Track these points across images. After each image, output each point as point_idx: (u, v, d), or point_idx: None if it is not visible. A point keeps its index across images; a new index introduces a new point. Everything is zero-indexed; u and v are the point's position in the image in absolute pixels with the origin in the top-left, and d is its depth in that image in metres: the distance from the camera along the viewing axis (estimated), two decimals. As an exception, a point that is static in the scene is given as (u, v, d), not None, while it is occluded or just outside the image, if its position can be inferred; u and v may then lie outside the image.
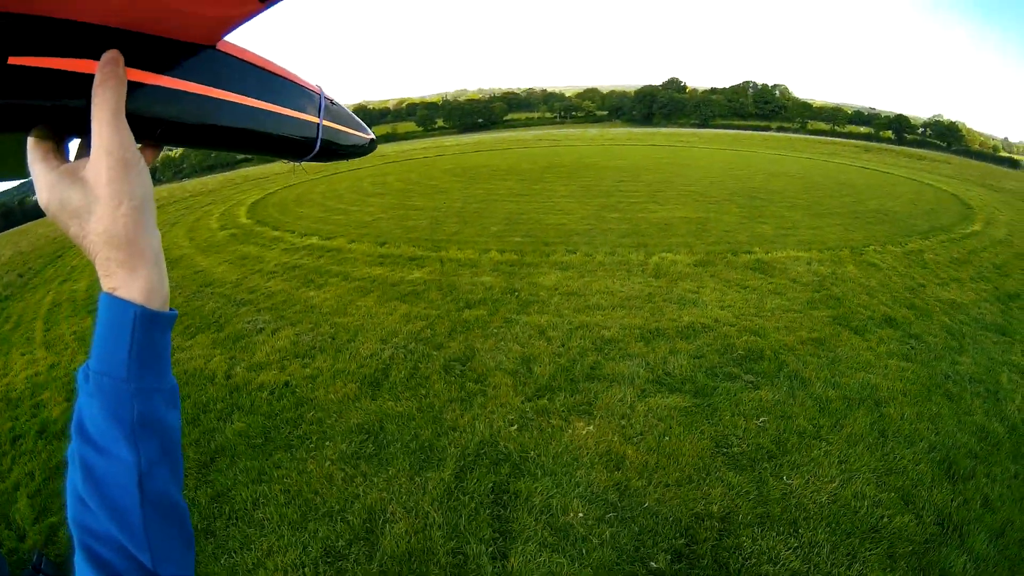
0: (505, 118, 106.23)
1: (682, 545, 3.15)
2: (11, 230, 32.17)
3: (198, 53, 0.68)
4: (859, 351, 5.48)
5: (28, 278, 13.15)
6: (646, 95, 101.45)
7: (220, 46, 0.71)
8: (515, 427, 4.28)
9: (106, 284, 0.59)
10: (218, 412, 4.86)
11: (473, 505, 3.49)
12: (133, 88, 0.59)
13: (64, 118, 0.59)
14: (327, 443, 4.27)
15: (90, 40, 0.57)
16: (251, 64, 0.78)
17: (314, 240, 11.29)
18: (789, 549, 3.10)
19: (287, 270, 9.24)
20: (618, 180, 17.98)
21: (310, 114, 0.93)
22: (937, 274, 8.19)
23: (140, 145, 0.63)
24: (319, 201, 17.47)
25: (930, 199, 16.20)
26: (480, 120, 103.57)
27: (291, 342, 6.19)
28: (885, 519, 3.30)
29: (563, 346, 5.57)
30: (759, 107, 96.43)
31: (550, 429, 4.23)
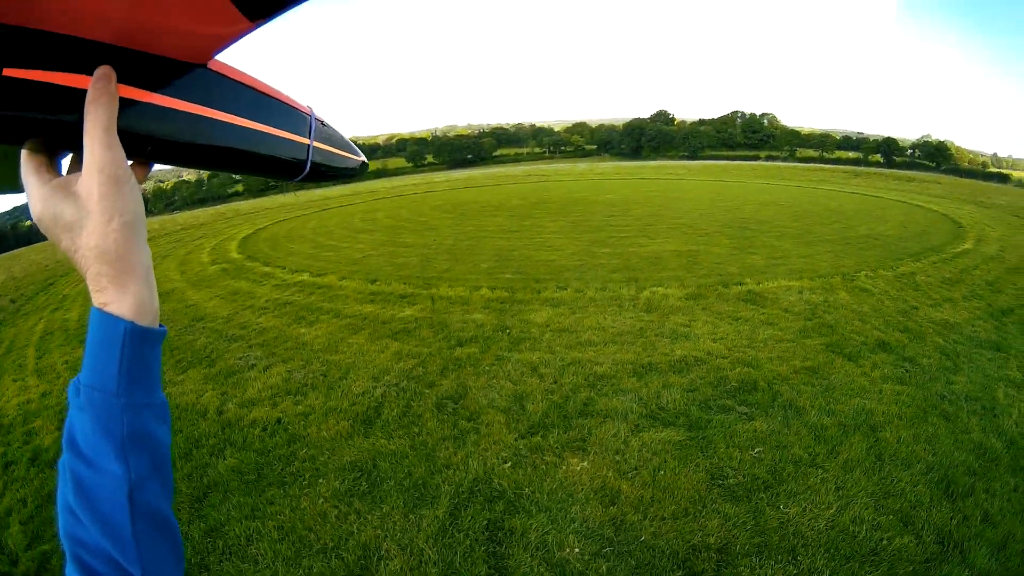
0: (494, 154, 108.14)
1: (680, 578, 3.21)
2: (4, 254, 32.45)
3: (189, 72, 0.70)
4: (853, 377, 5.61)
5: (20, 304, 13.46)
6: (634, 128, 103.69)
7: (211, 65, 0.73)
8: (509, 464, 4.35)
9: (97, 299, 0.61)
10: (210, 447, 4.95)
11: (468, 542, 3.55)
12: (125, 105, 0.62)
13: (57, 132, 0.61)
14: (320, 480, 4.33)
15: (83, 55, 0.59)
16: (242, 84, 0.81)
17: (305, 276, 11.53)
18: (787, 577, 3.17)
19: (278, 306, 9.42)
20: (608, 215, 18.39)
21: (301, 135, 0.95)
22: (930, 295, 8.42)
23: (131, 162, 0.66)
24: (310, 237, 17.95)
25: (920, 220, 16.65)
26: (469, 156, 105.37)
27: (283, 379, 6.29)
28: (884, 541, 3.38)
29: (555, 383, 5.67)
30: (747, 137, 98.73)
31: (544, 466, 4.31)
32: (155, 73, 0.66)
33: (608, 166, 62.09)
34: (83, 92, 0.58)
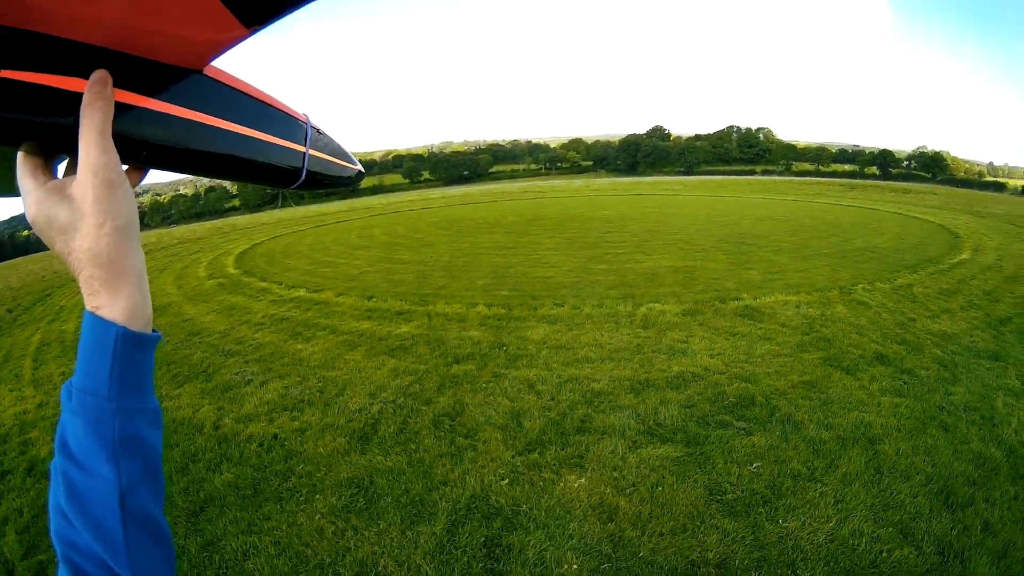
0: (491, 170, 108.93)
1: (678, 594, 3.25)
2: (1, 264, 32.73)
3: (185, 77, 0.71)
4: (851, 391, 5.66)
5: (17, 314, 13.63)
6: (630, 144, 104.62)
7: (207, 71, 0.74)
8: (506, 481, 4.38)
9: (89, 303, 0.61)
10: (207, 462, 4.99)
11: (466, 559, 3.57)
12: (120, 110, 0.62)
13: (52, 135, 0.62)
14: (317, 496, 4.36)
15: (79, 58, 0.60)
16: (238, 90, 0.81)
17: (301, 292, 11.64)
18: (786, 592, 3.21)
19: (275, 322, 9.50)
20: (604, 231, 18.56)
21: (296, 143, 0.95)
22: (927, 307, 8.53)
23: (126, 167, 0.67)
24: (306, 253, 18.18)
25: (917, 232, 16.85)
26: (466, 172, 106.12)
27: (279, 395, 6.34)
28: (884, 554, 3.42)
29: (553, 400, 5.71)
30: (743, 151, 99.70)
31: (542, 483, 4.34)
32: (151, 78, 0.67)
33: (604, 182, 62.67)
34: (79, 95, 0.59)
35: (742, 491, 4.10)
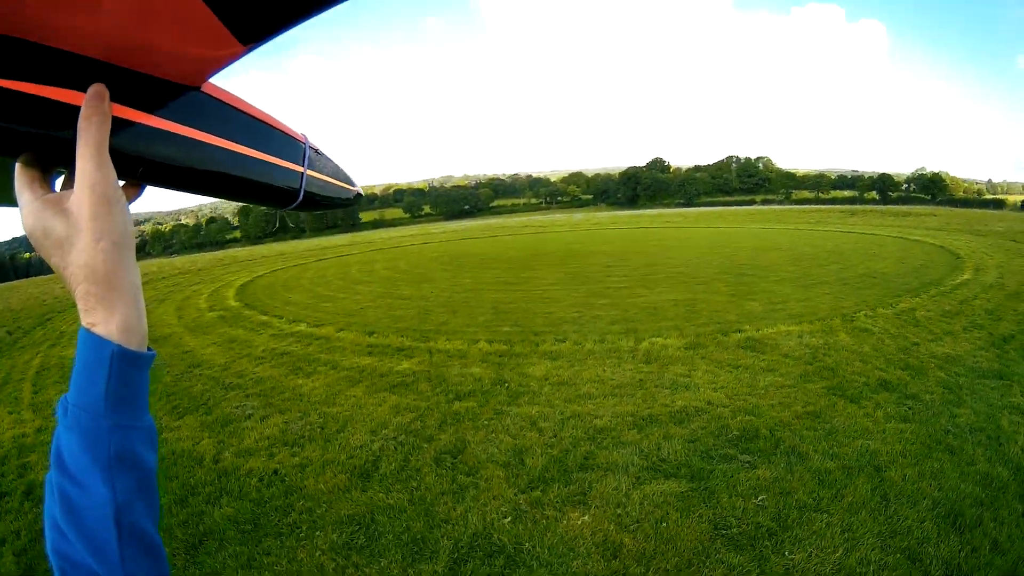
0: (491, 204, 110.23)
1: (685, 632, 3.24)
2: (2, 284, 33.15)
3: (183, 94, 0.72)
4: (856, 419, 5.68)
5: (17, 337, 13.88)
6: (630, 177, 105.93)
7: (205, 88, 0.75)
8: (508, 519, 4.39)
9: (85, 319, 0.62)
10: (206, 495, 5.02)
11: (468, 601, 3.58)
12: (117, 125, 0.63)
13: (49, 147, 0.62)
14: (317, 532, 4.38)
15: (77, 70, 0.60)
16: (235, 108, 0.81)
17: (302, 327, 11.74)
18: (793, 626, 3.20)
19: (275, 356, 9.57)
20: (606, 265, 18.72)
21: (294, 163, 0.94)
22: (930, 330, 8.59)
23: (122, 183, 0.66)
24: (307, 287, 18.46)
25: (918, 255, 16.98)
26: (467, 207, 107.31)
27: (280, 430, 6.38)
28: (892, 581, 3.42)
29: (555, 436, 5.74)
30: (743, 181, 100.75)
31: (544, 520, 4.35)
32: (148, 94, 0.68)
33: (605, 216, 63.27)
34: (76, 109, 0.60)
35: (747, 524, 4.10)
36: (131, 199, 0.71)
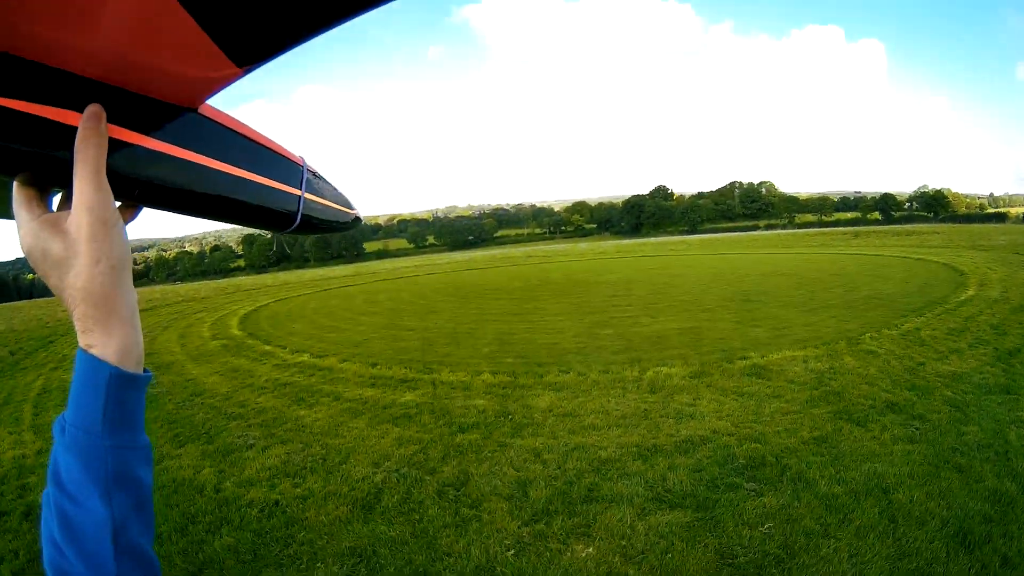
0: (496, 234, 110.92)
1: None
2: (5, 304, 33.45)
3: (180, 116, 0.72)
4: (863, 442, 5.66)
5: (19, 358, 14.17)
6: (634, 205, 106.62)
7: (202, 110, 0.75)
8: (512, 552, 4.37)
9: (83, 340, 0.62)
10: (206, 524, 5.02)
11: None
12: (114, 146, 0.63)
13: (46, 167, 0.62)
14: (318, 564, 4.36)
15: (73, 90, 0.60)
16: (232, 130, 0.81)
17: (305, 357, 11.78)
18: (802, 656, 3.18)
19: (278, 386, 9.61)
20: (610, 295, 18.78)
21: (292, 186, 0.94)
22: (936, 349, 8.60)
23: (119, 204, 0.66)
24: (311, 317, 18.63)
25: (922, 274, 17.01)
26: (471, 237, 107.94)
27: (281, 460, 6.38)
28: (902, 605, 3.40)
29: (559, 468, 5.72)
30: (746, 207, 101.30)
31: (548, 553, 4.33)
32: (145, 115, 0.68)
33: (609, 245, 63.55)
34: (72, 129, 0.60)
35: (754, 553, 4.08)
36: (127, 220, 0.72)
